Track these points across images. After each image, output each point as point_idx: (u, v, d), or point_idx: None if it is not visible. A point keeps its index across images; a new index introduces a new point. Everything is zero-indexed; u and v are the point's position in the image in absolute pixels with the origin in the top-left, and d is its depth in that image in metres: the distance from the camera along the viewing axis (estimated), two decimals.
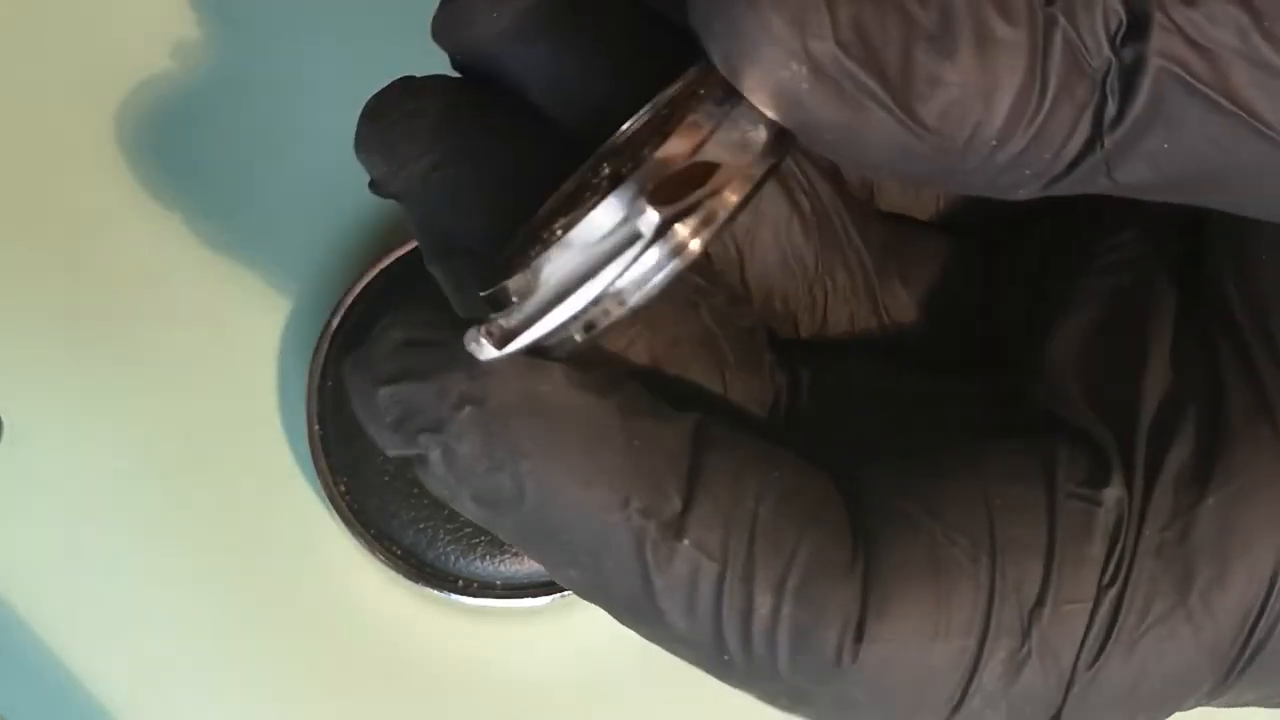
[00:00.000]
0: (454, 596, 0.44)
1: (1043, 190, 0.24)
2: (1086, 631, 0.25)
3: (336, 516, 0.44)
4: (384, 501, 0.44)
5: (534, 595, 0.44)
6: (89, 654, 0.45)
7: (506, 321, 0.25)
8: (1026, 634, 0.25)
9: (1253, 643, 0.26)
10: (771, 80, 0.23)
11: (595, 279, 0.24)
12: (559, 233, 0.24)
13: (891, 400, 0.29)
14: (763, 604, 0.25)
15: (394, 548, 0.44)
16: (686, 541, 0.25)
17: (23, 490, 0.46)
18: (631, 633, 0.46)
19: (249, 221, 0.47)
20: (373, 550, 0.44)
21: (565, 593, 0.44)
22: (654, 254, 0.24)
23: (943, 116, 0.23)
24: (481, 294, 0.25)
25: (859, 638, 0.25)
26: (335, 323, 0.45)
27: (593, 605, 0.46)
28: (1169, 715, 0.27)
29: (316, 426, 0.45)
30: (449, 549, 0.44)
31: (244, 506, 0.46)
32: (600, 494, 0.25)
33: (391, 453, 0.26)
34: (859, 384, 0.29)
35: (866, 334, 0.29)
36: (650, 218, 0.24)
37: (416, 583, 0.44)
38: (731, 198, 0.24)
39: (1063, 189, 0.24)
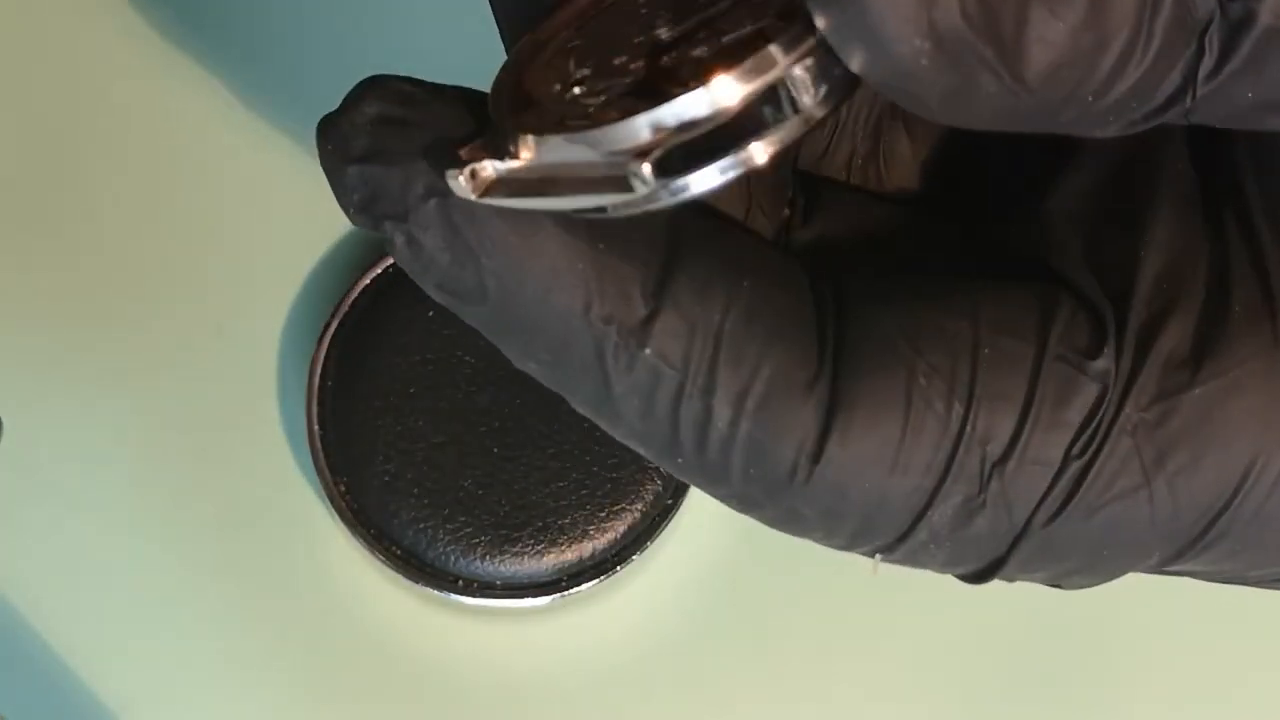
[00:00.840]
0: (454, 596, 0.44)
1: (1119, 131, 0.24)
2: (1046, 493, 0.25)
3: (336, 516, 0.44)
4: (384, 501, 0.44)
5: (534, 595, 0.44)
6: (89, 654, 0.45)
7: (498, 169, 0.24)
8: (985, 484, 0.25)
9: (1211, 533, 0.25)
10: (887, 56, 0.22)
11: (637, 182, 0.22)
12: (610, 113, 0.23)
13: (886, 236, 0.28)
14: (721, 417, 0.25)
15: (394, 548, 0.44)
16: (648, 350, 0.25)
17: (23, 490, 0.46)
18: (632, 633, 0.46)
19: (249, 221, 0.47)
20: (373, 550, 0.44)
21: (565, 593, 0.44)
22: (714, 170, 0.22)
23: (1048, 78, 0.22)
24: (482, 138, 0.24)
25: (815, 458, 0.25)
26: (335, 323, 0.45)
27: (593, 606, 0.46)
28: (1106, 579, 0.27)
29: (316, 427, 0.45)
30: (449, 549, 0.44)
31: (244, 507, 0.46)
32: (563, 298, 0.25)
33: (357, 225, 0.26)
34: (854, 219, 0.28)
35: (865, 175, 0.29)
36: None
37: (416, 583, 0.44)
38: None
39: (1137, 129, 0.24)
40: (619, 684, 0.46)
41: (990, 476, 0.25)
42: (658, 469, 0.45)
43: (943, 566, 0.26)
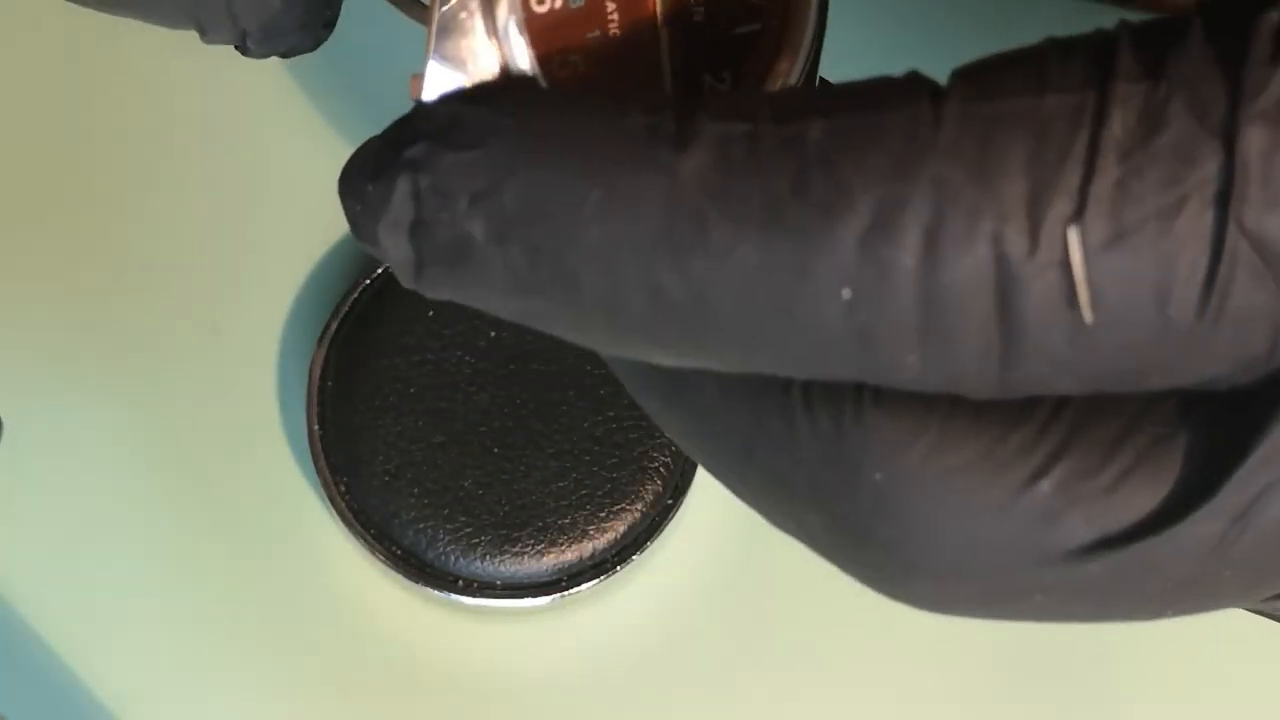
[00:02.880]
0: (454, 596, 0.44)
1: None
2: None
3: (336, 517, 0.44)
4: (384, 501, 0.44)
5: (534, 595, 0.44)
6: (89, 654, 0.45)
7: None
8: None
9: None
10: None
11: None
12: None
13: None
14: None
15: (394, 548, 0.44)
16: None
17: (22, 490, 0.46)
18: (632, 633, 0.46)
19: (249, 221, 0.47)
20: (373, 550, 0.44)
21: (565, 593, 0.44)
22: None
23: None
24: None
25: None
26: (335, 323, 0.45)
27: (593, 606, 0.46)
28: None
29: (316, 426, 0.45)
30: (449, 549, 0.44)
31: (243, 507, 0.46)
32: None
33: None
34: None
35: None
36: None
37: (416, 582, 0.44)
38: None
39: None
40: (619, 684, 0.46)
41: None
42: (657, 469, 0.45)
43: None
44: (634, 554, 0.44)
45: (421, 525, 0.44)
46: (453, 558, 0.44)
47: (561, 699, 0.46)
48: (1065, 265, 0.21)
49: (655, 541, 0.44)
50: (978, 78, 0.21)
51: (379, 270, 0.45)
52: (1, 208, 0.47)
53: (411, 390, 0.45)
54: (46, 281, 0.47)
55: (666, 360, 0.23)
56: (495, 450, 0.45)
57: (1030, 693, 0.46)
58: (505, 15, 0.25)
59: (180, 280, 0.47)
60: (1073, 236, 0.21)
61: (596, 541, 0.44)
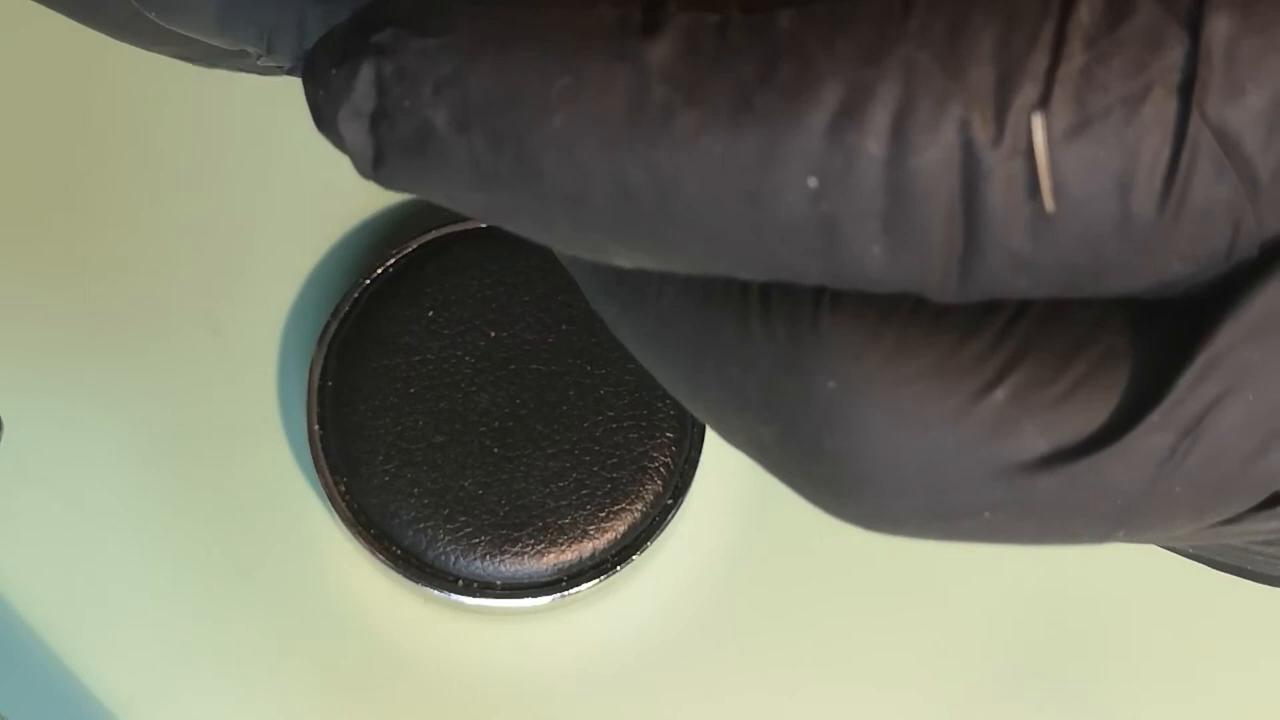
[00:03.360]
0: (454, 596, 0.44)
1: None
2: None
3: (336, 516, 0.44)
4: (384, 501, 0.44)
5: (534, 595, 0.44)
6: (89, 654, 0.45)
7: None
8: None
9: None
10: None
11: None
12: None
13: None
14: None
15: (394, 547, 0.44)
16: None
17: (22, 490, 0.46)
18: (632, 633, 0.46)
19: (249, 221, 0.47)
20: (373, 550, 0.44)
21: (565, 593, 0.44)
22: None
23: None
24: None
25: None
26: (335, 323, 0.45)
27: (593, 606, 0.46)
28: None
29: (316, 426, 0.45)
30: (449, 549, 0.44)
31: (243, 506, 0.46)
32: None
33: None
34: None
35: None
36: None
37: (416, 582, 0.44)
38: None
39: None
40: (619, 684, 0.46)
41: None
42: (658, 469, 0.45)
43: None
44: (634, 554, 0.44)
45: (421, 525, 0.44)
46: (453, 558, 0.44)
47: (561, 699, 0.46)
48: (1030, 153, 0.21)
49: (655, 541, 0.44)
50: None
51: (379, 270, 0.45)
52: (1, 208, 0.47)
53: (411, 390, 0.45)
54: (47, 281, 0.47)
55: (627, 260, 0.23)
56: (495, 450, 0.45)
57: (1031, 693, 0.46)
58: None
59: (180, 280, 0.47)
60: (1037, 123, 0.20)
61: (596, 541, 0.44)
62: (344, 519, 0.44)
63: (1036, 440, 0.22)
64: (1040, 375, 0.22)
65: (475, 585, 0.44)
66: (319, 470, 0.44)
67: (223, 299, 0.47)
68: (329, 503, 0.44)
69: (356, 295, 0.45)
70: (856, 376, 0.22)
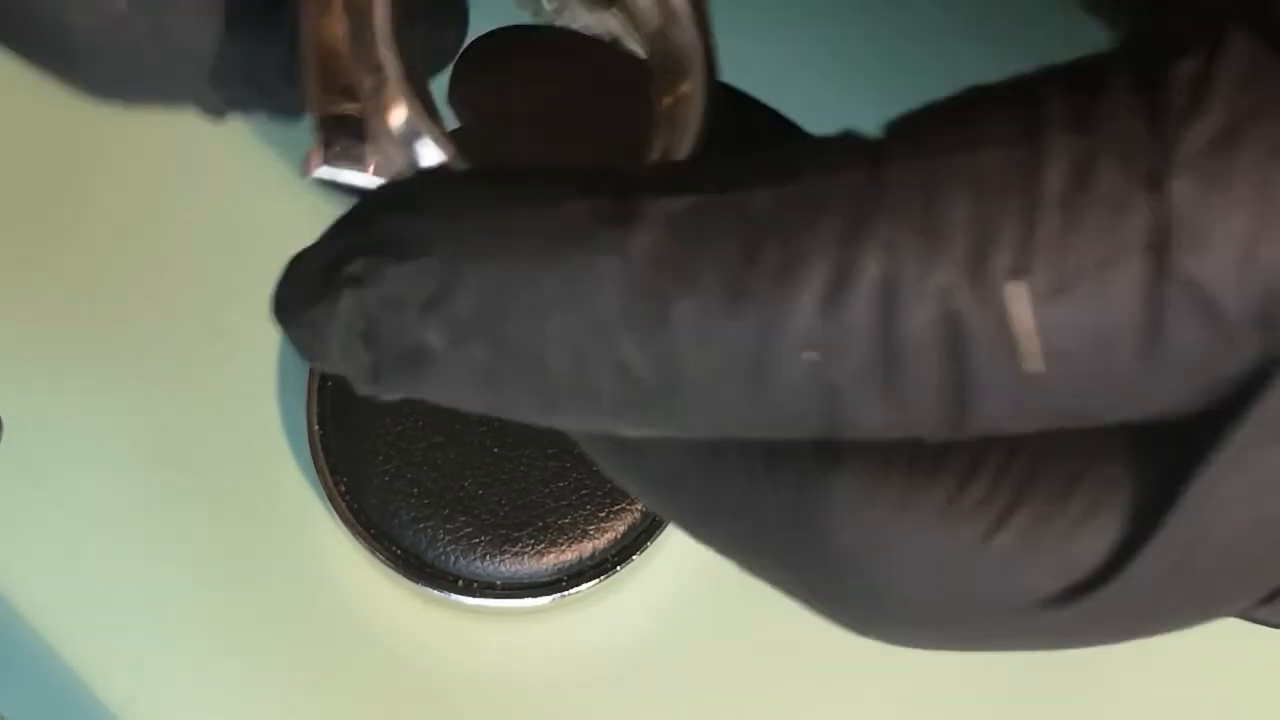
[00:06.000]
0: (454, 596, 0.44)
1: None
2: None
3: (336, 516, 0.44)
4: (384, 501, 0.44)
5: (534, 595, 0.44)
6: (89, 654, 0.45)
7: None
8: None
9: None
10: None
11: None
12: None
13: None
14: None
15: (394, 547, 0.44)
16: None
17: (22, 490, 0.46)
18: (632, 633, 0.46)
19: (250, 221, 0.47)
20: (373, 550, 0.44)
21: (565, 593, 0.44)
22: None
23: None
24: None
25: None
26: None
27: (593, 606, 0.46)
28: None
29: (316, 426, 0.45)
30: (449, 549, 0.44)
31: (243, 506, 0.46)
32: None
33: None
34: None
35: None
36: None
37: (416, 582, 0.44)
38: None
39: None
40: (619, 684, 0.46)
41: None
42: None
43: None
44: (634, 554, 0.44)
45: (421, 525, 0.44)
46: (453, 558, 0.44)
47: (561, 698, 0.46)
48: (1010, 318, 0.22)
49: (655, 541, 0.44)
50: (912, 135, 0.22)
51: None
52: (2, 208, 0.47)
53: None
54: (47, 282, 0.47)
55: (632, 432, 0.23)
56: (495, 450, 0.45)
57: (1031, 694, 0.46)
58: (402, 118, 0.24)
59: (181, 281, 0.47)
60: (1015, 291, 0.21)
61: (596, 541, 0.44)
62: (344, 519, 0.44)
63: (1046, 580, 0.23)
64: (1043, 512, 0.23)
65: (475, 585, 0.44)
66: (319, 470, 0.44)
67: (223, 299, 0.47)
68: (329, 503, 0.44)
69: None
70: (868, 530, 0.23)
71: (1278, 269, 0.21)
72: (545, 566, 0.44)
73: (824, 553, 0.24)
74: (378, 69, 0.24)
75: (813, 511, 0.23)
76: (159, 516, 0.46)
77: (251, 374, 0.47)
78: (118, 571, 0.46)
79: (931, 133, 0.22)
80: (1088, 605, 0.23)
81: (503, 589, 0.44)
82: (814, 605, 0.25)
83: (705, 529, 0.25)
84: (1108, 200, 0.21)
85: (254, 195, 0.47)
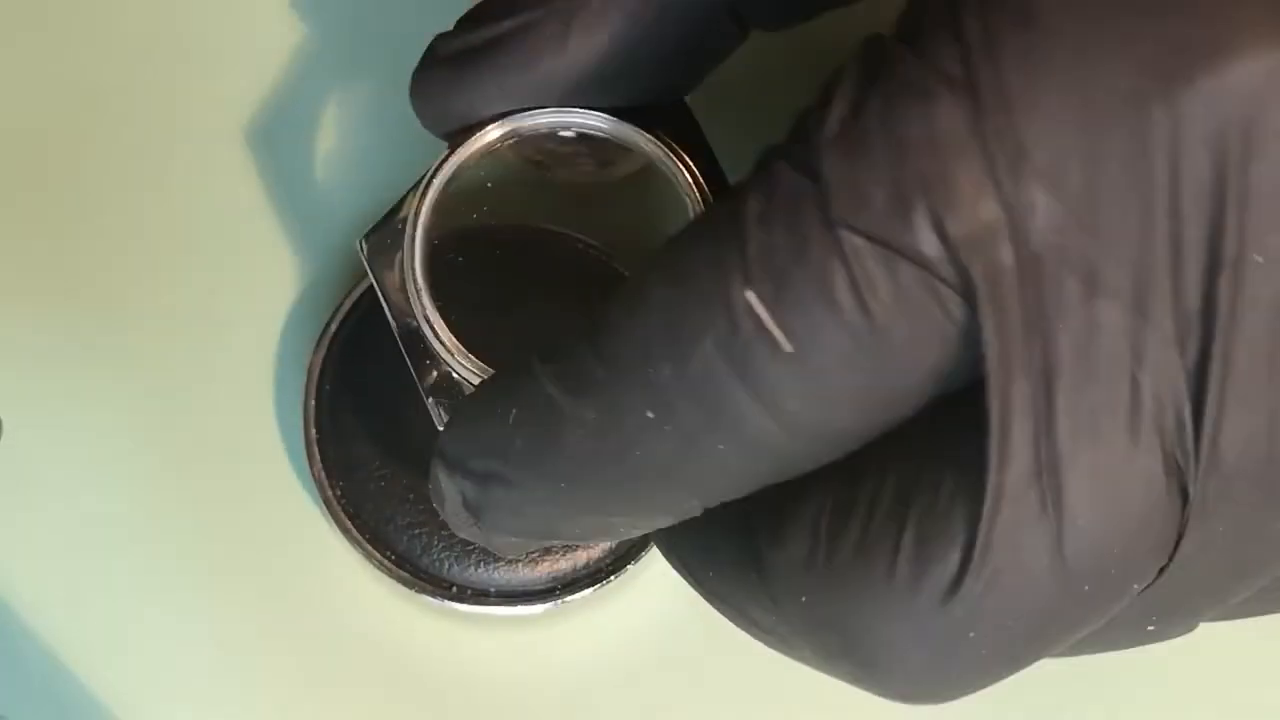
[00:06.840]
0: (448, 603, 0.44)
1: None
2: None
3: (331, 521, 0.44)
4: (379, 506, 0.44)
5: (528, 603, 0.44)
6: (89, 654, 0.45)
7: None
8: None
9: None
10: None
11: None
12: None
13: None
14: None
15: (388, 553, 0.44)
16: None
17: (22, 490, 0.46)
18: (626, 642, 0.46)
19: (248, 222, 0.47)
20: (367, 556, 0.44)
21: (560, 600, 0.44)
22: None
23: None
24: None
25: None
26: (334, 325, 0.45)
27: (587, 614, 0.46)
28: None
29: (313, 430, 0.45)
30: (443, 555, 0.44)
31: (239, 510, 0.46)
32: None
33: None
34: None
35: None
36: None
37: (411, 589, 0.44)
38: None
39: None
40: (613, 693, 0.46)
41: None
42: None
43: None
44: (629, 563, 0.44)
45: (416, 531, 0.44)
46: (447, 564, 0.44)
47: (555, 707, 0.45)
48: (760, 317, 0.28)
49: (650, 550, 0.44)
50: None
51: None
52: (1, 207, 0.47)
53: (408, 395, 0.45)
54: (46, 282, 0.47)
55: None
56: None
57: (1033, 695, 0.46)
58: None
59: (180, 281, 0.47)
60: (750, 298, 0.28)
61: (590, 550, 0.44)
62: (339, 525, 0.44)
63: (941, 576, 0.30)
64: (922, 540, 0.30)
65: (469, 592, 0.44)
66: (314, 474, 0.44)
67: (222, 300, 0.47)
68: (324, 507, 0.44)
69: (356, 297, 0.45)
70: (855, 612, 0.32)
71: (935, 196, 0.26)
72: (539, 574, 0.44)
73: (824, 639, 0.34)
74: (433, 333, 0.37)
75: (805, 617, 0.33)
76: (157, 518, 0.46)
77: (249, 376, 0.47)
78: (117, 572, 0.46)
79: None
80: (963, 597, 0.30)
81: (497, 596, 0.44)
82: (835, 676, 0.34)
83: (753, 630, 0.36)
84: (786, 202, 0.27)
85: (254, 197, 0.47)
